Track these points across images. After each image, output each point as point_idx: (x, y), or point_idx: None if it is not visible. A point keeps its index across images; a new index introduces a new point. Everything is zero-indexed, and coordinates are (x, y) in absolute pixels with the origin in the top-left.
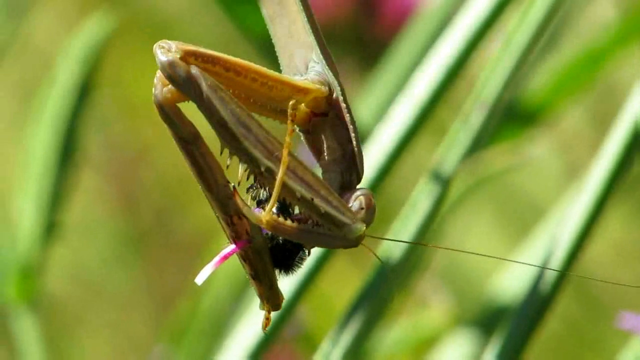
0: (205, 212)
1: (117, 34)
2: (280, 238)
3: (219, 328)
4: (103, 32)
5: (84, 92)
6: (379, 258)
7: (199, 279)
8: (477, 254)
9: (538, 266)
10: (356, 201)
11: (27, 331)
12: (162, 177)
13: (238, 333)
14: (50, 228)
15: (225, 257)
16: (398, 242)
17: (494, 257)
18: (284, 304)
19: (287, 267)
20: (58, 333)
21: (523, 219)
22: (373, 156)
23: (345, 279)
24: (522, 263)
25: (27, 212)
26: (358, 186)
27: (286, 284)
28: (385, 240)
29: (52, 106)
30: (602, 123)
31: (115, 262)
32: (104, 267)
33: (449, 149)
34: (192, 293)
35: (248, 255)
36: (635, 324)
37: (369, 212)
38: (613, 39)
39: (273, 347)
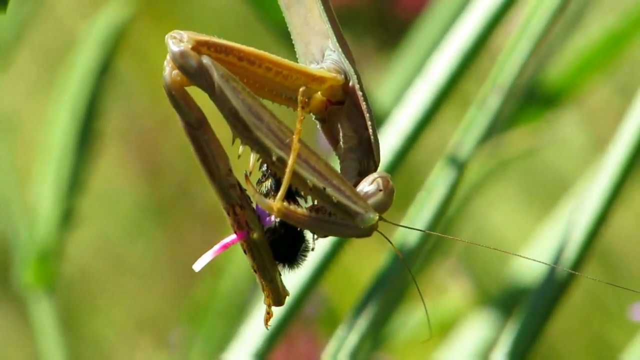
0: None
1: (142, 5)
2: (282, 231)
3: (238, 308)
4: (124, 14)
5: (104, 74)
6: (395, 249)
7: (197, 266)
8: (490, 248)
9: (549, 264)
10: (373, 183)
11: (45, 316)
12: (184, 147)
13: (258, 314)
14: (69, 213)
15: (225, 247)
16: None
17: (506, 252)
18: (303, 282)
19: (290, 261)
20: (79, 305)
21: (550, 194)
22: (390, 140)
23: (367, 252)
24: (533, 260)
25: (45, 197)
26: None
27: (306, 262)
28: (400, 226)
29: (71, 91)
30: (630, 97)
31: (137, 232)
32: (125, 237)
33: (465, 133)
34: (212, 273)
35: (249, 247)
36: None
37: (387, 194)
38: (637, 19)
39: (293, 328)
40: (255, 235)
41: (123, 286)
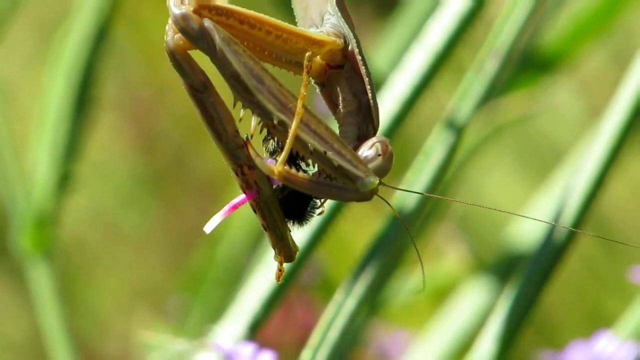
0: None
1: None
2: (291, 189)
3: (235, 276)
4: None
5: (100, 41)
6: (394, 210)
7: (208, 228)
8: (488, 208)
9: (548, 222)
10: (372, 148)
11: (42, 281)
12: (179, 116)
13: (254, 281)
14: (65, 179)
15: (235, 207)
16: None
17: (505, 212)
18: (300, 250)
19: (299, 218)
20: (75, 275)
21: (544, 162)
22: (387, 105)
23: (363, 221)
24: (533, 219)
25: (42, 163)
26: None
27: (302, 229)
28: (399, 190)
29: (67, 57)
30: (625, 64)
31: (132, 201)
32: (120, 206)
33: (463, 98)
34: (208, 241)
35: (258, 206)
36: None
37: (386, 159)
38: None
39: (289, 294)
40: (264, 195)
41: (118, 255)
